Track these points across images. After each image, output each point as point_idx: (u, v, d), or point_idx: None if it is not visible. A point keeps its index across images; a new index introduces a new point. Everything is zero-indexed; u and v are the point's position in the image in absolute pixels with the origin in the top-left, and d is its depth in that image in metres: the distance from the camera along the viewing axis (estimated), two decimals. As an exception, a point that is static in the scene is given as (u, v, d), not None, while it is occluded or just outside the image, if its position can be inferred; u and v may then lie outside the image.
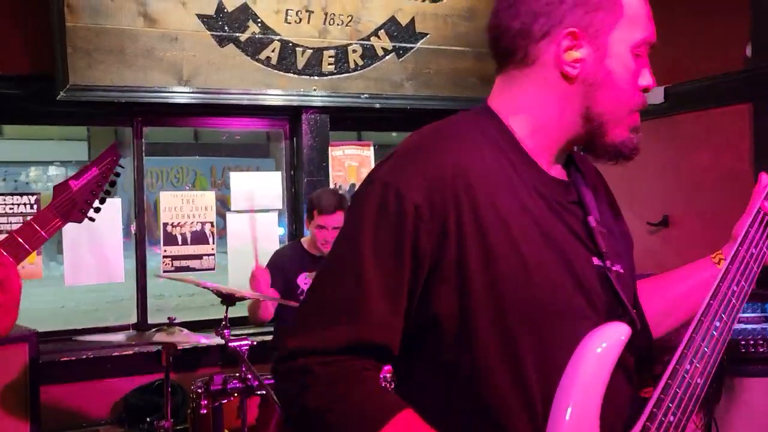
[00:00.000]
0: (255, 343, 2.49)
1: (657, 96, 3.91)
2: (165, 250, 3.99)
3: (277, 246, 4.19)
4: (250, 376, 2.34)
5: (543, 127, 1.08)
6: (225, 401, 2.40)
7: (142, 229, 3.96)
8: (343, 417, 0.94)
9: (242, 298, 2.54)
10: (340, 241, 1.05)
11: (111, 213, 3.92)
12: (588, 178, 1.16)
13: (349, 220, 1.06)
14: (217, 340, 2.72)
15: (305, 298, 1.08)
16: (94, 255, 3.84)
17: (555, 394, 0.97)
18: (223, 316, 2.55)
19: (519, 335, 0.98)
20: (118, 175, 1.63)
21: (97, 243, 3.84)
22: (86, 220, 1.59)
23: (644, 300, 1.23)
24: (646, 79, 1.10)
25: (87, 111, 3.82)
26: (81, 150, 13.68)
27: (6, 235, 1.45)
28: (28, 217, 3.72)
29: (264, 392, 2.30)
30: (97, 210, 1.60)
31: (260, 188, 4.21)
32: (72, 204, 1.54)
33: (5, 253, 1.39)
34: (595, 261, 1.06)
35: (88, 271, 3.82)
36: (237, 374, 2.44)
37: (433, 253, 0.97)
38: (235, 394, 2.36)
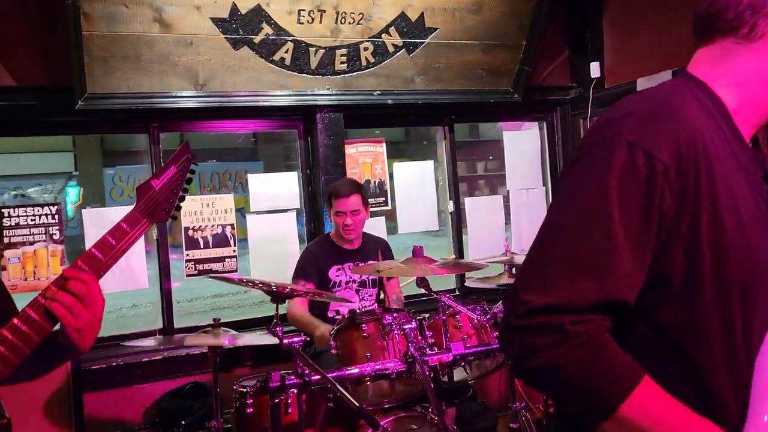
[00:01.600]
0: (308, 338, 2.52)
1: (666, 79, 3.99)
2: (187, 254, 4.00)
3: (296, 246, 4.23)
4: (307, 371, 2.36)
5: (755, 101, 1.12)
6: (282, 398, 2.42)
7: (164, 235, 3.96)
8: (594, 377, 0.97)
9: (291, 295, 2.56)
10: (581, 191, 1.05)
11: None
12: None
13: (588, 173, 1.05)
14: (262, 340, 2.75)
15: (537, 249, 1.07)
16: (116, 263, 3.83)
17: (753, 376, 1.02)
18: (271, 314, 2.57)
19: (733, 300, 1.03)
20: (193, 172, 1.64)
21: (120, 250, 3.84)
22: (170, 219, 1.60)
23: None
24: None
25: (104, 119, 3.82)
26: (67, 162, 13.55)
27: (86, 251, 1.45)
28: (51, 228, 3.73)
29: (327, 386, 2.33)
30: (178, 209, 1.61)
31: (278, 189, 4.24)
32: (156, 204, 1.53)
33: (86, 269, 1.38)
34: None
35: (112, 278, 3.81)
36: (291, 371, 2.46)
37: (674, 214, 1.01)
38: (294, 390, 2.38)
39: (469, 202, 4.85)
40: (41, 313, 1.33)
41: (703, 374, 1.04)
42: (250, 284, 2.57)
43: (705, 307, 1.03)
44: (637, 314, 1.06)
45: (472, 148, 14.76)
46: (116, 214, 3.98)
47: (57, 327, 1.36)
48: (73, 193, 14.00)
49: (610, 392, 0.97)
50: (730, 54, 1.12)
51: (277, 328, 2.40)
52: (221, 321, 2.99)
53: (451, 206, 4.74)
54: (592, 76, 4.68)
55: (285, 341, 2.36)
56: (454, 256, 4.71)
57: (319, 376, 2.37)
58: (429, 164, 4.75)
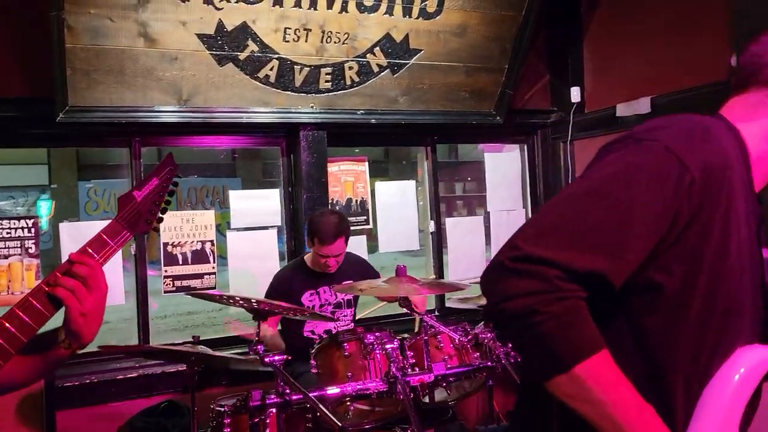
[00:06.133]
0: (290, 357, 2.50)
1: (644, 106, 4.07)
2: (165, 270, 3.95)
3: (277, 263, 4.21)
4: (287, 390, 2.34)
5: None
6: (261, 418, 2.39)
7: (142, 250, 3.92)
8: (564, 332, 1.02)
9: (273, 312, 2.54)
10: (609, 173, 1.09)
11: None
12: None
13: (620, 160, 1.10)
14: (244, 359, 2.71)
15: (549, 209, 1.12)
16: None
17: (698, 401, 1.09)
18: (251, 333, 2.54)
19: (713, 324, 1.09)
20: (176, 184, 1.63)
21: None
22: (151, 230, 1.58)
23: None
24: None
25: (85, 132, 3.78)
26: (42, 174, 13.36)
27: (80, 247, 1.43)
28: (26, 242, 3.67)
29: (308, 405, 2.31)
30: (160, 220, 1.59)
31: (259, 206, 4.22)
32: (138, 215, 1.51)
33: (93, 253, 1.37)
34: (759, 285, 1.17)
35: (88, 294, 3.75)
36: (271, 389, 2.43)
37: (683, 226, 1.06)
38: (273, 410, 2.35)
39: (450, 223, 4.88)
40: (42, 298, 1.30)
41: (664, 379, 1.09)
42: (231, 301, 2.54)
43: (688, 322, 1.08)
44: (621, 311, 1.11)
45: (452, 169, 14.85)
46: (94, 228, 3.90)
47: (56, 332, 1.35)
48: (45, 207, 13.78)
49: (575, 349, 1.03)
50: (759, 106, 1.19)
51: (258, 347, 2.38)
52: (199, 338, 2.95)
53: (432, 226, 4.75)
54: (573, 100, 4.75)
55: (267, 359, 2.34)
56: (434, 276, 4.71)
57: (299, 396, 2.35)
58: (410, 184, 4.77)
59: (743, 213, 1.11)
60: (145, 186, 1.55)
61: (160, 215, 1.57)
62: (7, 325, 1.27)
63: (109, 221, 1.48)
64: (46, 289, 1.31)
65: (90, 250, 1.38)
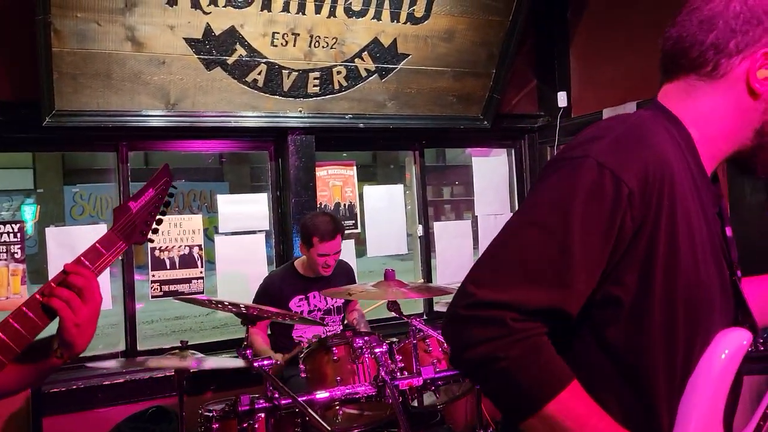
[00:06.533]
0: (279, 361, 2.49)
1: (630, 111, 4.10)
2: (153, 275, 3.94)
3: (265, 268, 4.20)
4: (276, 395, 2.34)
5: (717, 137, 1.16)
6: (250, 423, 2.38)
7: (129, 255, 3.90)
8: (528, 373, 1.00)
9: (261, 317, 2.53)
10: (544, 202, 1.07)
11: (96, 239, 3.85)
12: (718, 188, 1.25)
13: (554, 186, 1.08)
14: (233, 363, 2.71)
15: (494, 248, 1.09)
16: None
17: (684, 392, 1.08)
18: (241, 337, 2.54)
19: (678, 322, 1.08)
20: (172, 195, 1.63)
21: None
22: (146, 241, 1.58)
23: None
24: None
25: (71, 136, 3.76)
26: (27, 178, 13.23)
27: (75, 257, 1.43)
28: (12, 247, 3.65)
29: (297, 410, 2.31)
30: (155, 231, 1.60)
31: (247, 210, 4.22)
32: (133, 226, 1.52)
33: (89, 264, 1.37)
34: (727, 268, 1.16)
35: (74, 299, 3.72)
36: (260, 394, 2.43)
37: (631, 237, 1.04)
38: (261, 414, 2.35)
39: (438, 227, 4.89)
40: (37, 309, 1.30)
41: (643, 386, 1.08)
42: (219, 306, 2.54)
43: (652, 326, 1.07)
44: (584, 327, 1.10)
45: (440, 173, 14.87)
46: (79, 233, 3.91)
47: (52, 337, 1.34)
48: (29, 211, 13.66)
49: (540, 389, 1.01)
50: (695, 90, 1.16)
51: (247, 351, 2.38)
52: (187, 343, 2.94)
53: (420, 230, 4.76)
54: (560, 105, 4.79)
55: (255, 364, 2.34)
56: (422, 280, 4.72)
57: (288, 401, 2.35)
58: (398, 188, 4.78)
59: (694, 205, 1.09)
60: (141, 197, 1.55)
61: (156, 226, 1.57)
62: (1, 335, 1.27)
63: (106, 231, 1.48)
64: (41, 299, 1.31)
65: (85, 261, 1.38)
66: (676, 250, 1.06)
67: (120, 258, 3.84)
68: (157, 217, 1.59)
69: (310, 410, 2.23)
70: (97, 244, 1.46)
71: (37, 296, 1.32)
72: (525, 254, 1.05)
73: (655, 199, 1.04)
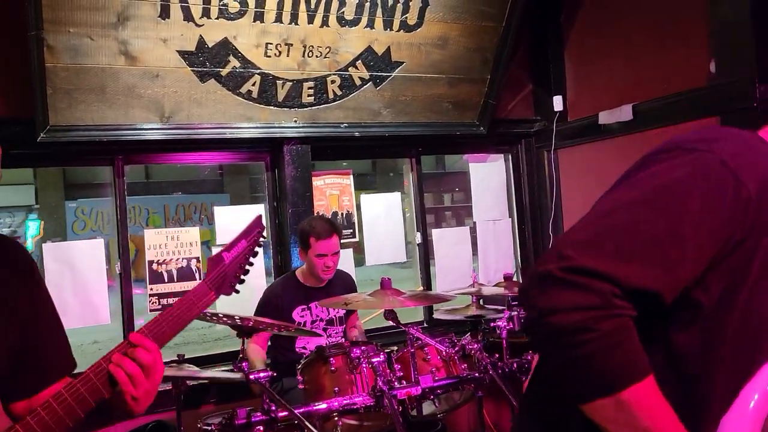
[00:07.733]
0: (275, 374, 2.48)
1: (626, 114, 4.10)
2: (151, 289, 3.92)
3: (263, 280, 4.18)
4: (273, 408, 2.32)
5: None
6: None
7: (127, 269, 3.89)
8: (615, 353, 0.96)
9: (257, 329, 2.52)
10: (662, 184, 1.04)
11: (94, 254, 3.86)
12: None
13: (674, 170, 1.04)
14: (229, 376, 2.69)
15: (603, 215, 1.05)
16: (78, 298, 3.75)
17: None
18: (238, 349, 2.52)
19: (744, 348, 1.03)
20: (261, 246, 1.62)
21: (81, 285, 3.76)
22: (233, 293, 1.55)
23: None
24: None
25: (67, 151, 3.75)
26: (28, 194, 13.26)
27: (153, 318, 1.41)
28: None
29: (295, 422, 2.29)
30: (242, 282, 1.57)
31: (245, 221, 4.19)
32: (224, 277, 1.50)
33: (151, 337, 1.36)
34: None
35: (72, 314, 3.72)
36: (257, 407, 2.41)
37: (733, 247, 1.01)
38: (260, 427, 2.33)
39: (436, 234, 4.87)
40: (103, 377, 1.30)
41: (697, 399, 1.04)
42: (214, 318, 2.52)
43: (724, 342, 1.03)
44: (657, 325, 1.05)
45: (439, 180, 14.88)
46: (78, 248, 3.90)
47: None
48: (33, 227, 13.67)
49: (624, 372, 0.97)
50: None
51: (243, 364, 2.36)
52: (184, 356, 2.92)
53: (418, 238, 4.75)
54: (555, 109, 4.78)
55: (251, 377, 2.32)
56: (421, 288, 4.70)
57: (286, 413, 2.33)
58: (396, 196, 4.77)
59: None
60: (233, 248, 1.55)
61: (243, 277, 1.56)
62: (69, 398, 1.27)
63: (199, 282, 1.48)
64: (107, 367, 1.30)
65: (148, 332, 1.37)
66: (766, 275, 1.02)
67: (119, 272, 3.87)
68: (246, 267, 1.57)
69: (306, 423, 2.21)
70: (191, 295, 1.45)
71: (103, 362, 1.31)
72: (635, 230, 1.01)
73: (764, 215, 1.01)
